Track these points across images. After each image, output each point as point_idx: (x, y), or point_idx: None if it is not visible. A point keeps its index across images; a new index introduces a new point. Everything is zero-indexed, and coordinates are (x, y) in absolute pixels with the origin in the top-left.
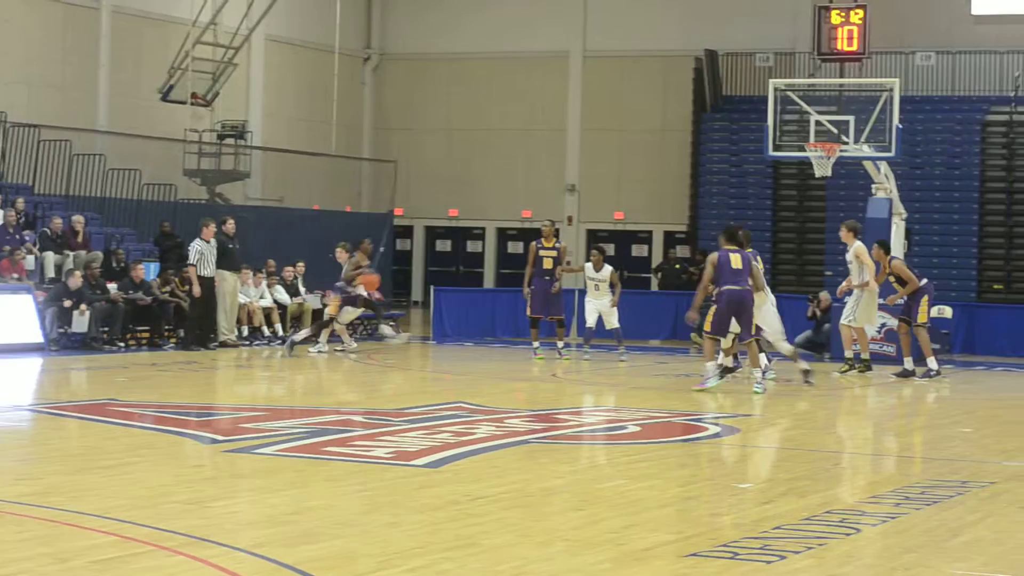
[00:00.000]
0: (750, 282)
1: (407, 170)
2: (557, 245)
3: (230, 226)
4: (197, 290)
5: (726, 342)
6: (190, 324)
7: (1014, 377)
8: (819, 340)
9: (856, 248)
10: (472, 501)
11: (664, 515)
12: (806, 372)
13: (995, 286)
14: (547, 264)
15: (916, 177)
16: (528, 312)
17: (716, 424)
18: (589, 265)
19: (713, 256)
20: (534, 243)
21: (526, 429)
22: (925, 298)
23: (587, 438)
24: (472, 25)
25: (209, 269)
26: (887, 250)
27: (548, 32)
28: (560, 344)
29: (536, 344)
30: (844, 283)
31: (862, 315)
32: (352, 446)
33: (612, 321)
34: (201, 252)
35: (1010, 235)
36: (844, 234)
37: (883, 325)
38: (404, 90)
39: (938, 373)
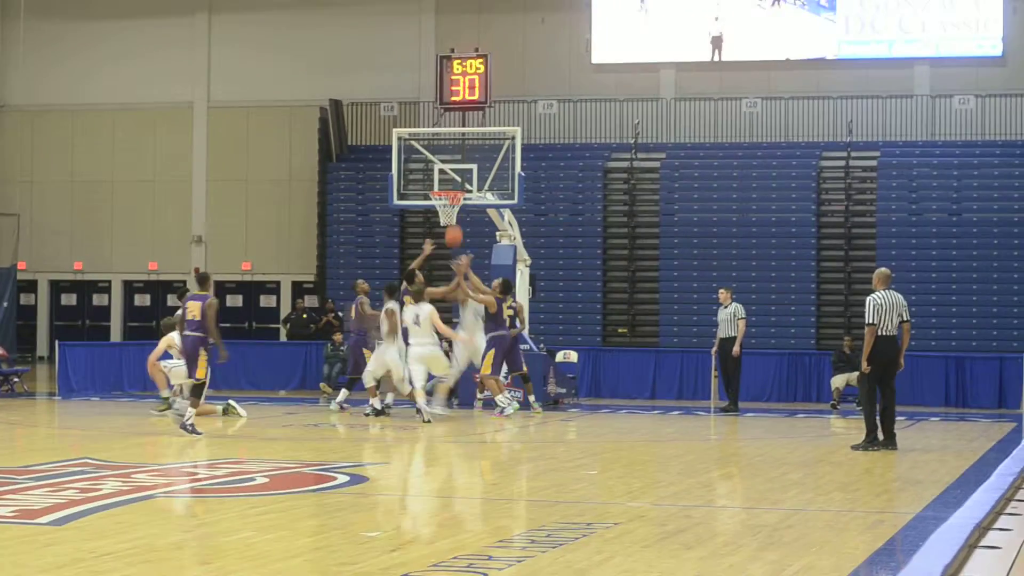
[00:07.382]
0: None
1: (30, 223)
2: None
3: None
4: None
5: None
6: None
7: (638, 419)
8: None
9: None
10: (97, 558)
11: (292, 566)
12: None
13: (620, 330)
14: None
15: (540, 224)
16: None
17: (345, 473)
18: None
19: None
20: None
21: (153, 484)
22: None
23: (214, 491)
24: (94, 77)
25: None
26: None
27: (172, 83)
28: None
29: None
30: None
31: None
32: None
33: None
34: None
35: (633, 280)
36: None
37: None
38: (24, 141)
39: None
